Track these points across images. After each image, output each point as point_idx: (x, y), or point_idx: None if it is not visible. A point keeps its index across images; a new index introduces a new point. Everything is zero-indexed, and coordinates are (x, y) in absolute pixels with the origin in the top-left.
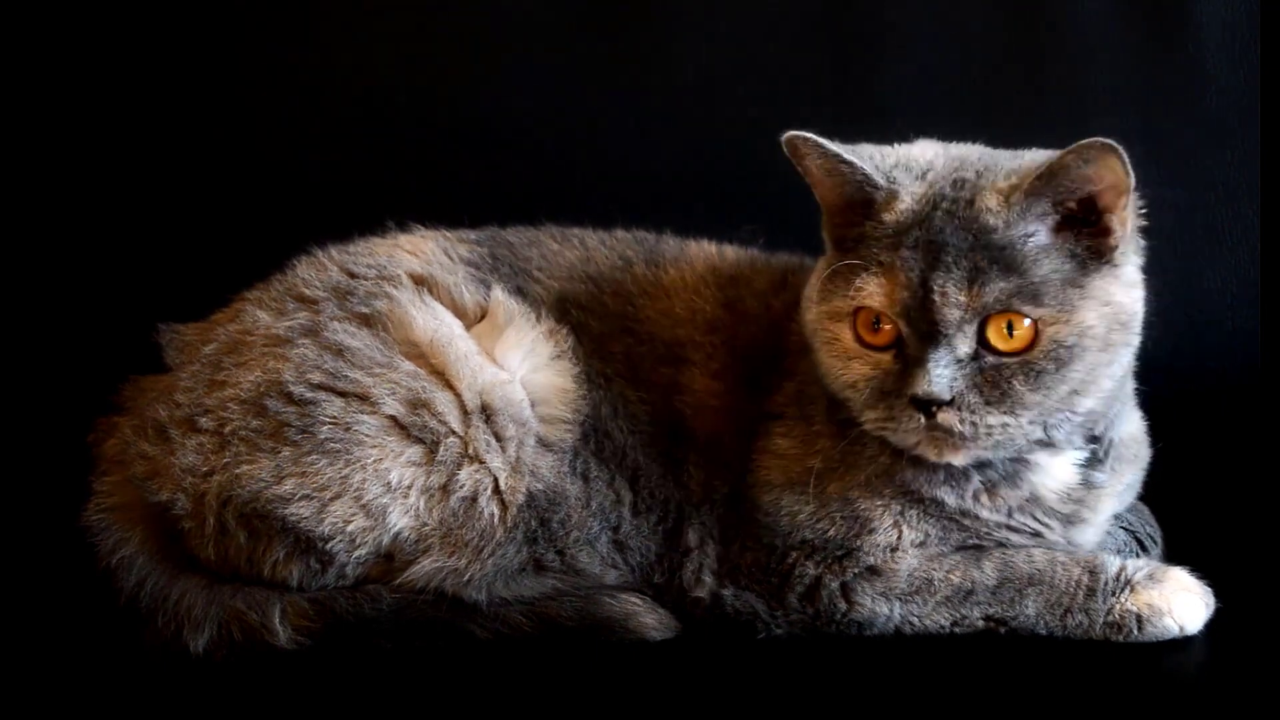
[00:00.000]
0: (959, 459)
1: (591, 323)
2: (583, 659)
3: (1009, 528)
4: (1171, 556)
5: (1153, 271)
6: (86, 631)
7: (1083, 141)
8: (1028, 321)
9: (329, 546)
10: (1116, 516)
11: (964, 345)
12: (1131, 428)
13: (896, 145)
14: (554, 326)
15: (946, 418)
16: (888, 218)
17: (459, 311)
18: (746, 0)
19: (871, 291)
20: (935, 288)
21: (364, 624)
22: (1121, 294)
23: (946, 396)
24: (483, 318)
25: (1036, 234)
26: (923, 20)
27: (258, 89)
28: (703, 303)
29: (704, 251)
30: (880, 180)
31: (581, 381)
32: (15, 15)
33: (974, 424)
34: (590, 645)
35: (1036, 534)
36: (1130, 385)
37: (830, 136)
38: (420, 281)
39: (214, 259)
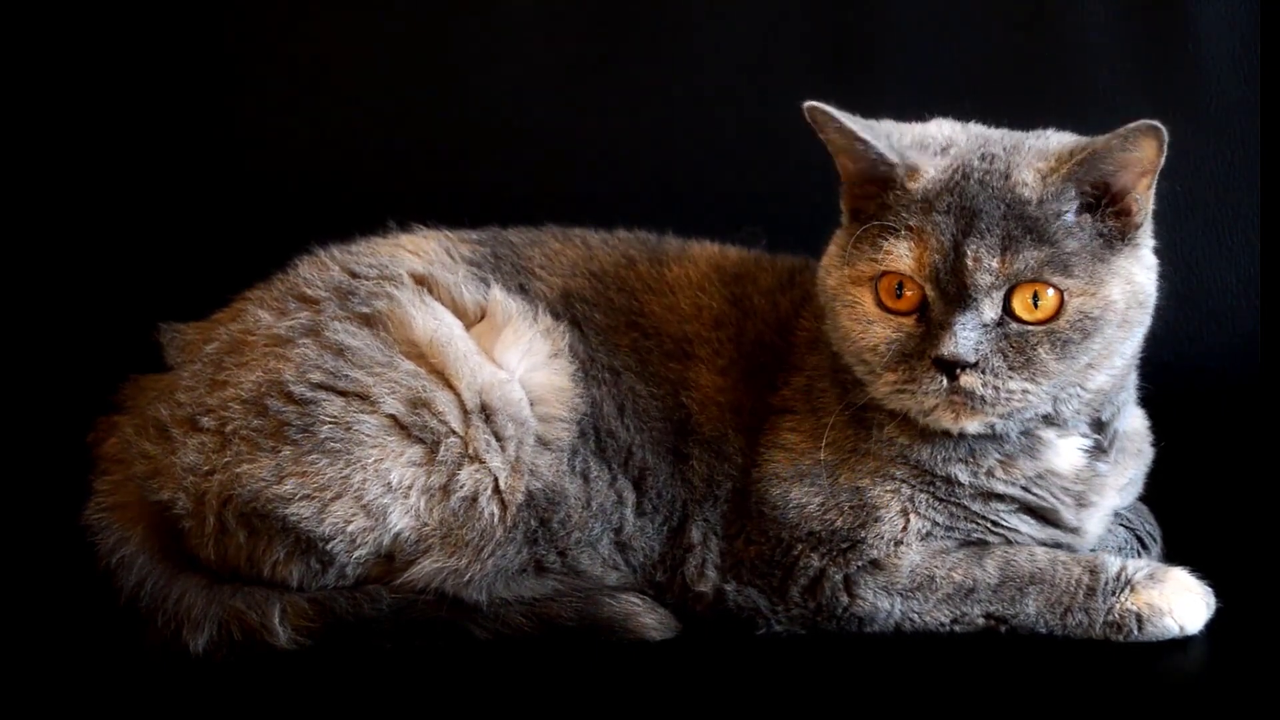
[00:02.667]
0: (974, 424)
1: (597, 316)
2: (583, 659)
3: (1025, 506)
4: (1171, 556)
5: None
6: (86, 631)
7: (1129, 125)
8: (1052, 293)
9: (329, 547)
10: (1117, 514)
11: (990, 311)
12: (1135, 423)
13: (914, 123)
14: (551, 324)
15: (969, 380)
16: (913, 187)
17: (459, 311)
18: (747, 1)
19: (900, 255)
20: (969, 252)
21: (364, 624)
22: (1141, 274)
23: (972, 359)
24: (483, 317)
25: (1067, 213)
26: (922, 20)
27: (258, 89)
28: (708, 299)
29: (706, 251)
30: (894, 158)
31: (579, 379)
32: (15, 15)
33: (996, 388)
34: (590, 645)
35: (1053, 511)
36: (1134, 377)
37: None
38: (421, 281)
39: (214, 259)
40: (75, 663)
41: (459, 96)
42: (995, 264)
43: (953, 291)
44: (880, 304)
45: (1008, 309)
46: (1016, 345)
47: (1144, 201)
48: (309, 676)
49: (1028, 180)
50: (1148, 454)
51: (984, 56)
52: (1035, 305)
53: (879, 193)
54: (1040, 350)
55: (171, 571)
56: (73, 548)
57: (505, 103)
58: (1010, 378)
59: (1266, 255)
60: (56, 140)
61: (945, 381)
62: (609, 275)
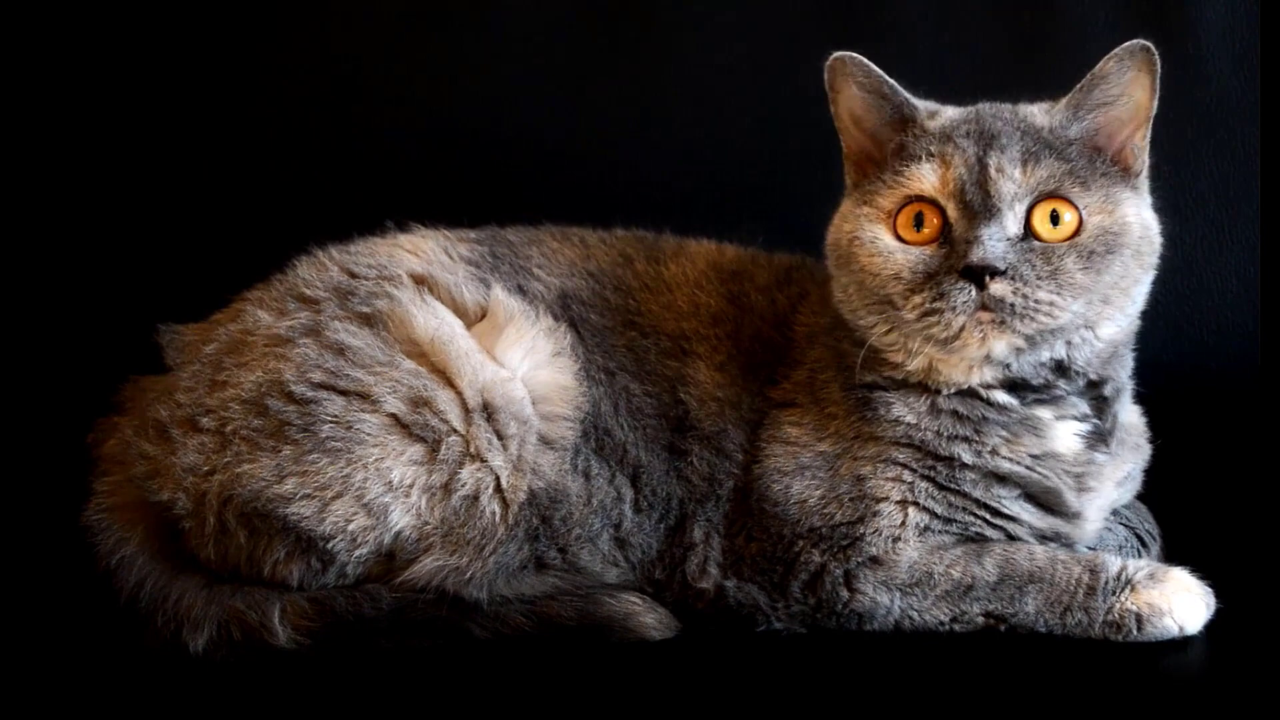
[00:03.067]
0: (1001, 345)
1: (593, 317)
2: (583, 659)
3: (1027, 492)
4: (1171, 556)
5: None
6: (86, 631)
7: (1122, 46)
8: (1070, 215)
9: (330, 546)
10: (1116, 513)
11: (1013, 225)
12: (1132, 417)
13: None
14: (553, 324)
15: (999, 288)
16: (931, 125)
17: (459, 310)
18: (747, 0)
19: (924, 175)
20: (991, 164)
21: (363, 624)
22: (1147, 213)
23: (1001, 265)
24: (483, 316)
25: (1076, 142)
26: (923, 19)
27: (258, 90)
28: (706, 297)
29: (704, 248)
30: (917, 103)
31: (582, 378)
32: (15, 15)
33: (1024, 295)
34: (590, 645)
35: (1056, 492)
36: (1131, 362)
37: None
38: (421, 281)
39: (214, 259)
40: (75, 663)
41: (457, 96)
42: (1018, 173)
43: (977, 204)
44: (899, 239)
45: (1029, 229)
46: (1043, 256)
47: (1140, 151)
48: (309, 676)
49: (1035, 111)
50: (1145, 450)
51: (983, 56)
52: (1054, 225)
53: (882, 158)
54: (1067, 261)
55: (171, 572)
56: (73, 548)
57: (503, 102)
58: (1039, 287)
59: (1266, 255)
60: (57, 140)
61: (974, 292)
62: (606, 274)
